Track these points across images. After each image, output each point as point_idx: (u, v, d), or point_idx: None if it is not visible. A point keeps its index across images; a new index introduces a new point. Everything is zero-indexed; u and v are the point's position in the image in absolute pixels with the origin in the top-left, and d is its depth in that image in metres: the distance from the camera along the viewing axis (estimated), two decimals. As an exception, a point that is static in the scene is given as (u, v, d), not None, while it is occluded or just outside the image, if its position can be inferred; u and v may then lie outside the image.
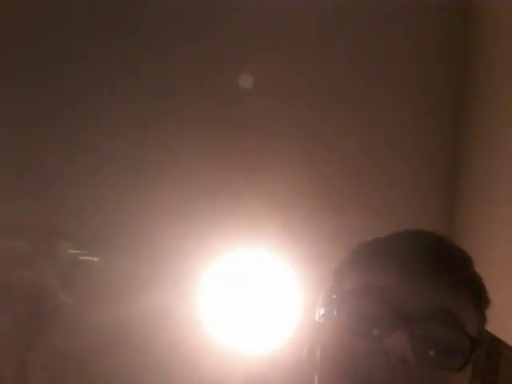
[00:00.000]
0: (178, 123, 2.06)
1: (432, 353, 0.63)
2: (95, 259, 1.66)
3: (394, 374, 0.62)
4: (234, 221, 2.00)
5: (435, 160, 2.12)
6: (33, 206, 1.90)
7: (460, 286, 0.67)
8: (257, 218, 2.00)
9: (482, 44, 1.99)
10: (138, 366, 1.98)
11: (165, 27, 2.07)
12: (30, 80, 2.05)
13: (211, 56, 2.07)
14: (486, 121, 1.90)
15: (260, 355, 1.92)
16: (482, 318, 0.71)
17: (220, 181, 2.03)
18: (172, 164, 2.03)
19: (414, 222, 2.29)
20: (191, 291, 1.92)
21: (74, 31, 2.05)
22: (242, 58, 2.07)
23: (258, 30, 2.09)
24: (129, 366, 1.97)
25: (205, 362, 1.95)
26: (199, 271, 1.94)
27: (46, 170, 2.01)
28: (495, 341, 1.71)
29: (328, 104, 2.11)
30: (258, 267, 1.93)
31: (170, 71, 2.06)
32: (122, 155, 2.02)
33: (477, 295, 0.69)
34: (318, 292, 0.76)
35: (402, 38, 2.11)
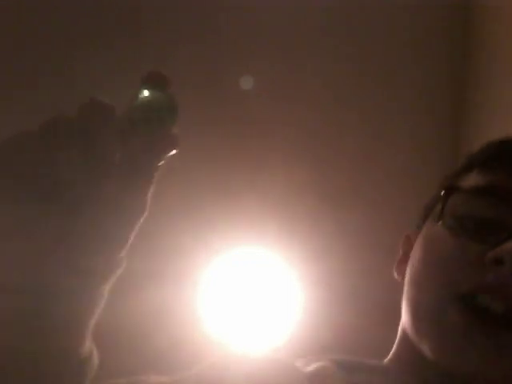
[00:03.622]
0: (177, 123, 2.06)
1: None
2: None
3: (507, 284, 0.56)
4: (233, 220, 2.00)
5: (436, 159, 2.12)
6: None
7: None
8: (257, 216, 2.00)
9: (482, 43, 1.99)
10: (137, 365, 1.98)
11: (165, 27, 2.08)
12: (30, 79, 2.05)
13: (211, 56, 2.07)
14: (487, 120, 1.90)
15: (260, 354, 1.92)
16: None
17: (220, 180, 2.03)
18: (172, 163, 2.03)
19: (414, 221, 2.28)
20: (191, 290, 1.92)
21: (74, 31, 2.05)
22: (243, 57, 2.07)
23: (258, 29, 2.09)
24: (128, 365, 1.97)
25: (204, 361, 1.95)
26: (199, 270, 1.94)
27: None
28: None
29: (328, 103, 2.11)
30: (258, 266, 1.93)
31: (169, 71, 2.06)
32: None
33: None
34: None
35: (402, 37, 2.12)
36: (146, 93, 0.47)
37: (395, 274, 0.70)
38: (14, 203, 0.41)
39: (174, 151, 0.51)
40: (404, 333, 0.67)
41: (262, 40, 2.08)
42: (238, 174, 2.01)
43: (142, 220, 0.48)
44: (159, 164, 0.50)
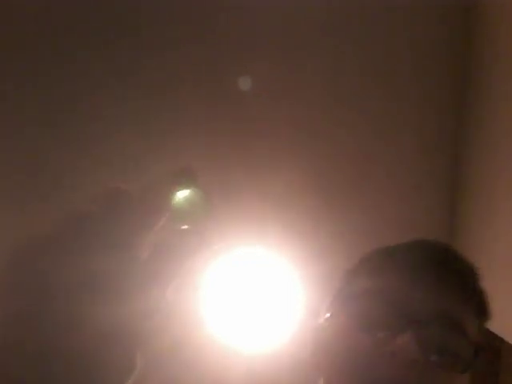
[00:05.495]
0: (177, 123, 2.06)
1: (437, 356, 0.65)
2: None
3: (402, 375, 0.63)
4: (234, 220, 2.00)
5: (436, 159, 2.12)
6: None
7: (465, 295, 0.69)
8: (257, 217, 2.00)
9: (483, 42, 1.99)
10: (138, 365, 1.97)
11: (165, 27, 2.07)
12: (30, 79, 2.05)
13: (211, 56, 2.07)
14: (488, 119, 1.90)
15: (262, 354, 1.92)
16: (483, 328, 0.73)
17: (220, 180, 2.03)
18: (172, 163, 2.03)
19: (415, 221, 2.29)
20: (192, 290, 1.92)
21: (75, 30, 2.05)
22: (242, 57, 2.07)
23: (258, 29, 2.09)
24: (129, 365, 1.97)
25: (206, 361, 1.95)
26: (200, 270, 1.94)
27: (49, 170, 2.01)
28: (496, 340, 1.71)
29: (328, 103, 2.11)
30: (259, 266, 1.93)
31: (169, 71, 2.06)
32: (120, 155, 2.02)
33: (480, 306, 0.72)
34: (322, 295, 0.77)
35: (402, 38, 2.11)
36: (181, 192, 0.45)
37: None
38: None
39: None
40: None
41: (262, 40, 2.08)
42: (239, 174, 2.01)
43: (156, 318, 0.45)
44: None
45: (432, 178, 2.12)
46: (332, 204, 2.07)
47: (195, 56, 2.06)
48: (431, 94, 2.12)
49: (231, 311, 1.92)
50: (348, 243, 1.92)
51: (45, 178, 2.01)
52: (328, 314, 0.74)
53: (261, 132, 2.07)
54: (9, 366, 0.40)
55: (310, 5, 2.08)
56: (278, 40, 2.09)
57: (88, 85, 2.05)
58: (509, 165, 1.67)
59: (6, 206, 1.99)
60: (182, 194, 0.44)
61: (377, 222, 2.08)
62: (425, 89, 2.12)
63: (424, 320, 0.65)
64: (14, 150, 2.04)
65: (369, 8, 2.08)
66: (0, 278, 0.39)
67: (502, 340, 1.61)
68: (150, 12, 2.08)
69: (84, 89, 2.05)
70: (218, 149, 2.06)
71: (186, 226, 0.46)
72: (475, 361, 0.67)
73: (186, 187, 0.45)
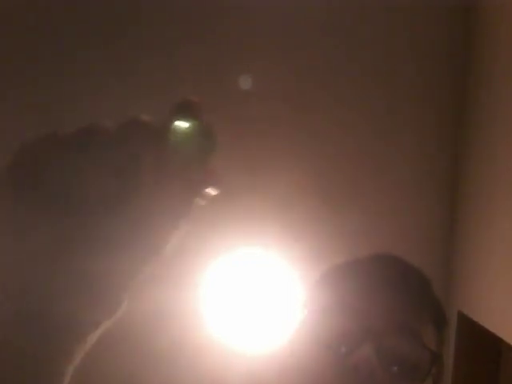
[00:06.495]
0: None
1: (397, 365, 0.68)
2: None
3: None
4: (234, 220, 2.00)
5: (436, 160, 2.12)
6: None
7: (421, 305, 0.73)
8: (257, 217, 2.00)
9: (483, 42, 1.99)
10: (139, 366, 1.98)
11: (165, 27, 2.07)
12: (30, 79, 2.05)
13: (211, 56, 2.07)
14: (488, 119, 1.90)
15: (261, 354, 1.92)
16: (441, 336, 0.76)
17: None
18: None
19: (415, 221, 2.28)
20: (192, 291, 1.92)
21: (75, 30, 2.05)
22: (242, 57, 2.07)
23: (258, 29, 2.09)
24: (130, 366, 1.97)
25: (206, 362, 1.95)
26: (200, 271, 1.94)
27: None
28: (495, 340, 1.71)
29: (328, 103, 2.11)
30: (259, 267, 1.93)
31: (169, 71, 2.06)
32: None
33: (436, 315, 0.75)
34: (292, 307, 0.80)
35: (402, 38, 2.11)
36: (182, 122, 0.43)
37: None
38: (22, 204, 0.39)
39: (213, 190, 0.46)
40: None
41: (262, 40, 2.08)
42: (239, 175, 2.01)
43: (151, 263, 0.43)
44: (197, 203, 0.45)
45: (432, 178, 2.12)
46: (332, 204, 2.06)
47: (195, 56, 2.06)
48: (431, 94, 2.12)
49: (231, 311, 1.92)
50: (348, 243, 1.92)
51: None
52: (292, 330, 0.77)
53: (261, 132, 2.07)
54: (7, 365, 0.40)
55: (309, 5, 2.08)
56: (278, 40, 2.09)
57: (88, 85, 2.05)
58: (509, 165, 1.67)
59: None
60: (182, 125, 0.42)
61: (377, 222, 2.08)
62: (425, 89, 2.12)
63: (382, 331, 0.68)
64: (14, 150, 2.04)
65: (369, 8, 2.08)
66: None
67: (501, 340, 1.61)
68: (150, 12, 2.08)
69: (84, 89, 2.05)
70: (218, 149, 2.06)
71: (188, 159, 0.43)
72: (433, 367, 0.70)
73: (188, 119, 0.43)
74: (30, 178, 0.40)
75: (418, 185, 2.12)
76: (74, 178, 0.39)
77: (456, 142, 2.11)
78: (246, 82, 2.01)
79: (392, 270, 0.75)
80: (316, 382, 0.68)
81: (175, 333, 1.91)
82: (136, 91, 2.06)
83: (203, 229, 1.99)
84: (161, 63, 2.07)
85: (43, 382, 0.41)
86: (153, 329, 1.92)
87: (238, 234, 1.99)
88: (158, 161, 0.41)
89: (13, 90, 2.05)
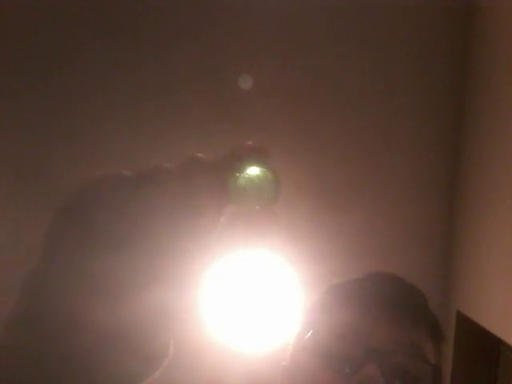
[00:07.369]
0: (177, 123, 2.06)
1: (400, 381, 0.70)
2: None
3: None
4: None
5: (436, 160, 2.12)
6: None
7: (420, 322, 0.75)
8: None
9: (483, 44, 1.99)
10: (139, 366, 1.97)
11: (165, 27, 2.07)
12: (29, 79, 2.05)
13: (211, 56, 2.07)
14: (488, 119, 1.90)
15: (262, 355, 1.92)
16: (439, 352, 0.78)
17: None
18: (171, 163, 2.03)
19: (415, 221, 2.28)
20: (192, 291, 1.92)
21: (75, 30, 2.05)
22: (242, 57, 2.07)
23: (258, 29, 2.09)
24: (129, 366, 1.96)
25: (206, 362, 1.95)
26: (200, 271, 1.94)
27: (48, 172, 2.01)
28: (494, 340, 1.71)
29: (328, 103, 2.11)
30: (259, 267, 1.93)
31: (169, 71, 2.06)
32: (119, 156, 2.02)
33: (434, 329, 0.78)
34: (291, 330, 0.80)
35: (402, 38, 2.11)
36: (250, 168, 0.43)
37: None
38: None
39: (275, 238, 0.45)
40: None
41: (262, 40, 2.08)
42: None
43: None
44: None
45: (432, 179, 2.12)
46: (332, 205, 2.07)
47: (195, 56, 2.06)
48: (431, 93, 2.12)
49: (231, 312, 1.92)
50: (348, 244, 1.92)
51: (45, 179, 2.01)
52: (292, 353, 0.79)
53: (260, 132, 2.07)
54: (9, 367, 0.40)
55: (310, 5, 2.08)
56: (278, 40, 2.09)
57: (88, 85, 2.05)
58: (509, 165, 1.67)
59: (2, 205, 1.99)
60: (251, 172, 0.42)
61: (377, 222, 2.08)
62: (425, 89, 2.12)
63: (385, 350, 0.70)
64: (14, 150, 2.04)
65: (369, 8, 2.08)
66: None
67: (500, 340, 1.61)
68: (150, 12, 2.08)
69: (84, 89, 2.05)
70: (218, 149, 2.06)
71: (255, 207, 0.43)
72: (434, 381, 0.72)
73: (255, 166, 0.43)
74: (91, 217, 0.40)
75: (417, 185, 2.13)
76: (135, 214, 0.40)
77: (456, 142, 2.11)
78: (246, 82, 2.01)
79: (391, 289, 0.78)
80: None
81: (175, 333, 1.91)
82: (135, 91, 2.06)
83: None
84: (161, 63, 2.07)
85: None
86: (152, 329, 1.91)
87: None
88: (220, 204, 0.42)
89: (12, 89, 2.05)
